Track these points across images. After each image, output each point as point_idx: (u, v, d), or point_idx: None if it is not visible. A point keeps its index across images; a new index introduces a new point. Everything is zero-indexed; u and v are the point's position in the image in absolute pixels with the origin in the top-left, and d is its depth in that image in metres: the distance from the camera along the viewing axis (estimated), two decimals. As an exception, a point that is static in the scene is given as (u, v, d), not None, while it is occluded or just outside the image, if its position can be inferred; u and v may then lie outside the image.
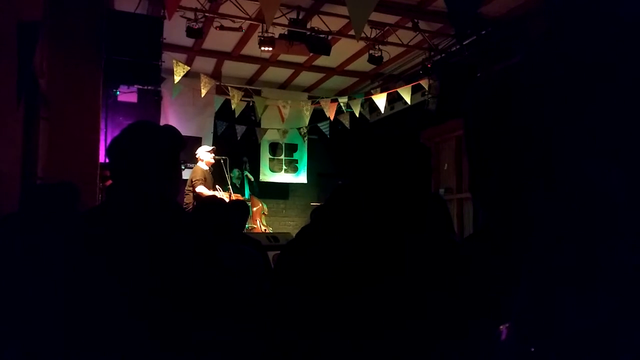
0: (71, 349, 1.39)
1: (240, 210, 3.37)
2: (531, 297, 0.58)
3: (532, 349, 0.55)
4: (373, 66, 8.02)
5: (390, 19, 6.99)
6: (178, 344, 1.44)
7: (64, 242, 1.53)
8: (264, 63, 8.69)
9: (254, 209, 8.55)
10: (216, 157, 7.09)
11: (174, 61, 7.37)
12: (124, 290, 1.41)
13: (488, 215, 0.68)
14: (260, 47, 6.98)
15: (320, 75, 9.44)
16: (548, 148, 0.58)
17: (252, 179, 8.93)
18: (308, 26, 7.04)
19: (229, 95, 8.67)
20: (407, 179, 1.33)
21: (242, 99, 8.84)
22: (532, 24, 6.11)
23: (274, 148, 10.31)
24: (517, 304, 0.59)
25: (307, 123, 9.70)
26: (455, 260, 1.20)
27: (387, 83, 9.41)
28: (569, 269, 0.56)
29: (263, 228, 8.44)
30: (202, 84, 7.97)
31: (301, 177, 10.48)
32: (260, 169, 10.07)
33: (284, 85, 9.98)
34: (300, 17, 6.92)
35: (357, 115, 9.17)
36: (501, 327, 0.60)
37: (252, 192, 8.74)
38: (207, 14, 6.55)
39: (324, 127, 9.91)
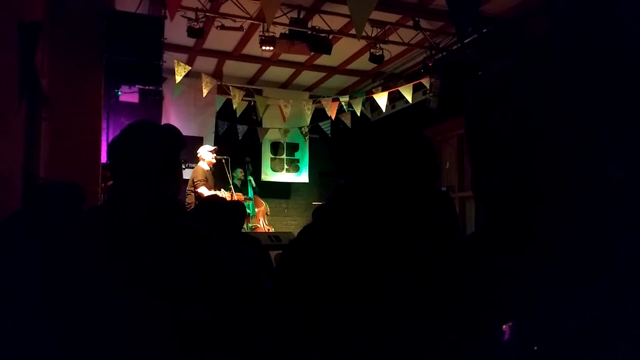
0: (72, 348, 1.39)
1: (239, 212, 3.42)
2: (535, 296, 0.58)
3: (535, 348, 0.55)
4: (374, 65, 8.02)
5: (391, 17, 6.99)
6: (180, 344, 1.44)
7: (68, 241, 1.53)
8: (265, 62, 8.70)
9: (257, 209, 8.56)
10: (218, 157, 7.09)
11: (175, 61, 7.38)
12: (127, 290, 1.41)
13: (490, 213, 0.68)
14: (261, 47, 6.99)
15: (321, 75, 9.44)
16: (550, 145, 0.58)
17: (254, 185, 8.93)
18: (309, 25, 7.04)
19: (230, 94, 8.68)
20: (410, 176, 1.33)
21: (244, 98, 8.85)
22: (532, 22, 6.10)
23: (276, 147, 10.32)
24: (520, 302, 0.58)
25: (308, 122, 9.71)
26: (459, 258, 1.19)
27: (389, 82, 9.41)
28: (573, 266, 0.56)
29: (266, 228, 8.45)
30: (203, 84, 7.98)
31: (303, 177, 10.48)
32: (262, 168, 10.08)
33: (285, 85, 9.98)
34: (301, 16, 6.92)
35: (359, 114, 9.18)
36: (504, 326, 0.60)
37: (255, 193, 8.77)
38: (207, 14, 6.55)
39: (325, 126, 9.91)
